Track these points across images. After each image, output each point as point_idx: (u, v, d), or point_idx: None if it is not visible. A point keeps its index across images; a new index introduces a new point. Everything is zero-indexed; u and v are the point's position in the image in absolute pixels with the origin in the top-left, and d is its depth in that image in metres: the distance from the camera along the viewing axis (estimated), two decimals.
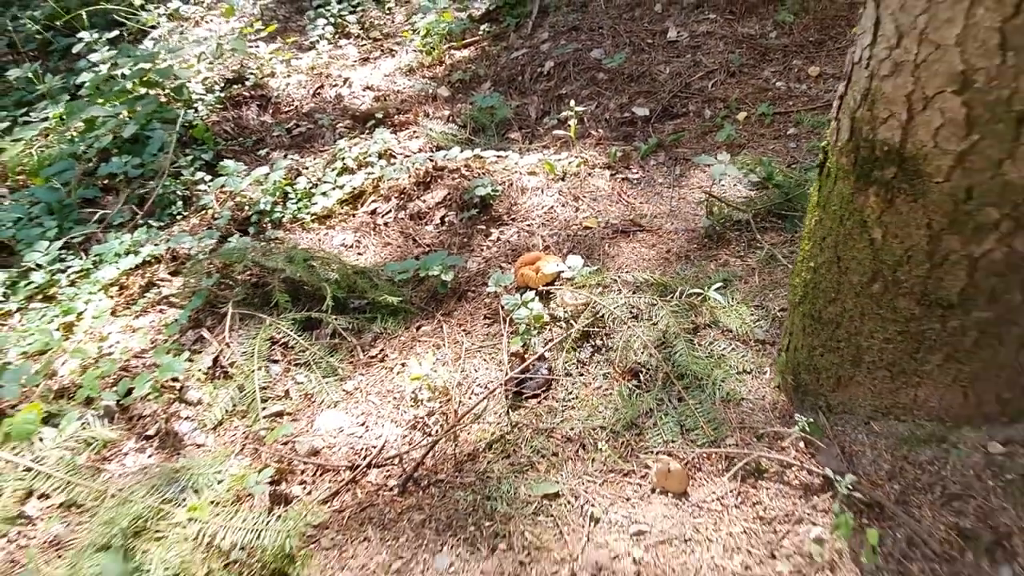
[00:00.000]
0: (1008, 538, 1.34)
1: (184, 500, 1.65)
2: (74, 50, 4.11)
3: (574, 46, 4.01)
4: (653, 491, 1.57)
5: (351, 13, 5.09)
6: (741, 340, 1.90)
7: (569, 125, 3.24)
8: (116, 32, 4.22)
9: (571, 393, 1.87)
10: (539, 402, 1.87)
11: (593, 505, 1.57)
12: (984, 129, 1.13)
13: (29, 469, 1.74)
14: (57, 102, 3.92)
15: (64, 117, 3.66)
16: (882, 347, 1.44)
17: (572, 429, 1.76)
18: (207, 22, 5.21)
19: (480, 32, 4.53)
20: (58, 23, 4.64)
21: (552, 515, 1.57)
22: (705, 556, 1.42)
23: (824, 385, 1.59)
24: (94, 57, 3.85)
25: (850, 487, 1.40)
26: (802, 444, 1.57)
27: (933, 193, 1.22)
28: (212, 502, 1.63)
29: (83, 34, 4.01)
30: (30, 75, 4.00)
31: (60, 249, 2.72)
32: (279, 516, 1.62)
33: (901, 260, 1.32)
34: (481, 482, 1.69)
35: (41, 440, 1.85)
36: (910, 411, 1.50)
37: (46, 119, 3.84)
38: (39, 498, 1.79)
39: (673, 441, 1.66)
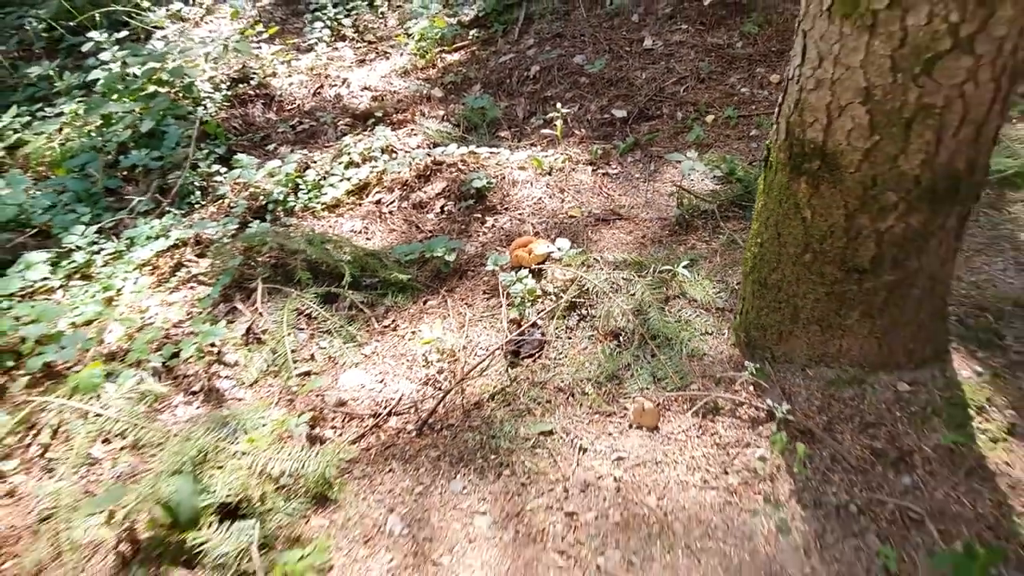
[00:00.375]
0: (910, 455, 1.69)
1: (236, 439, 1.95)
2: (83, 49, 4.36)
3: (558, 52, 4.35)
4: (630, 427, 1.90)
5: (346, 16, 5.37)
6: (704, 308, 2.24)
7: (555, 125, 3.57)
8: (125, 32, 4.45)
9: (561, 353, 2.20)
10: (534, 361, 2.20)
11: (581, 439, 1.90)
12: (883, 131, 1.48)
13: (99, 415, 2.02)
14: (72, 98, 4.16)
15: (81, 113, 3.90)
16: (813, 306, 1.79)
17: (563, 381, 2.09)
18: (206, 23, 5.46)
19: (470, 37, 4.84)
20: (72, 23, 4.85)
21: (547, 448, 1.90)
22: (672, 474, 1.75)
23: (769, 339, 1.94)
24: (104, 56, 4.10)
25: (786, 414, 1.75)
26: (751, 387, 1.91)
27: (847, 181, 1.57)
28: (260, 440, 1.93)
29: (93, 33, 4.25)
30: (50, 72, 4.23)
31: (95, 233, 2.99)
32: (317, 452, 1.92)
33: (825, 234, 1.67)
34: (486, 425, 2.01)
35: (104, 395, 2.13)
36: (837, 359, 1.85)
37: (61, 114, 4.08)
38: (103, 442, 2.07)
39: (647, 388, 2.00)
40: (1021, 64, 1.40)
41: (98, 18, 4.64)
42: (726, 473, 1.73)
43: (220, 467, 1.85)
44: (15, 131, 3.75)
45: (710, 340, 2.12)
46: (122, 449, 2.05)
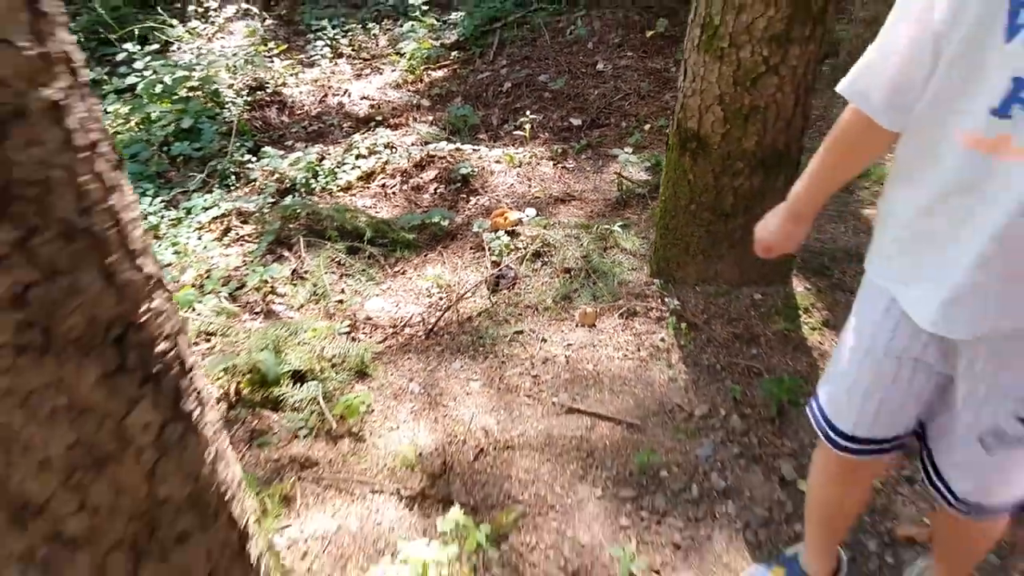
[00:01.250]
0: (758, 337, 2.57)
1: (297, 336, 2.74)
2: (117, 58, 5.11)
3: (526, 72, 5.25)
4: (577, 326, 2.75)
5: (343, 36, 6.21)
6: (632, 254, 3.11)
7: (524, 129, 4.45)
8: (156, 45, 5.22)
9: (529, 285, 3.05)
10: (509, 290, 3.04)
11: (543, 334, 2.74)
12: (732, 122, 2.37)
13: (198, 318, 2.80)
14: (113, 101, 4.90)
15: (125, 112, 4.65)
16: (698, 242, 2.67)
17: (530, 301, 2.93)
18: (219, 39, 6.24)
19: (452, 57, 5.72)
20: (112, 36, 5.58)
21: (519, 341, 2.73)
22: (603, 352, 2.60)
23: (671, 268, 2.81)
24: (138, 65, 4.86)
25: (679, 308, 2.62)
26: (658, 298, 2.79)
27: (713, 155, 2.46)
28: (317, 333, 2.73)
29: (128, 45, 5.02)
30: (100, 78, 4.97)
31: (160, 203, 3.75)
32: (355, 345, 2.72)
33: (703, 191, 2.55)
34: (476, 330, 2.84)
35: (197, 308, 2.91)
36: (715, 279, 2.74)
37: (106, 112, 4.81)
38: (205, 338, 2.84)
39: (589, 302, 2.85)
40: (811, 83, 2.31)
41: (136, 32, 5.39)
42: (639, 350, 2.59)
43: (290, 350, 2.64)
44: None
45: (634, 274, 2.99)
46: (214, 347, 2.82)
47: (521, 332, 2.78)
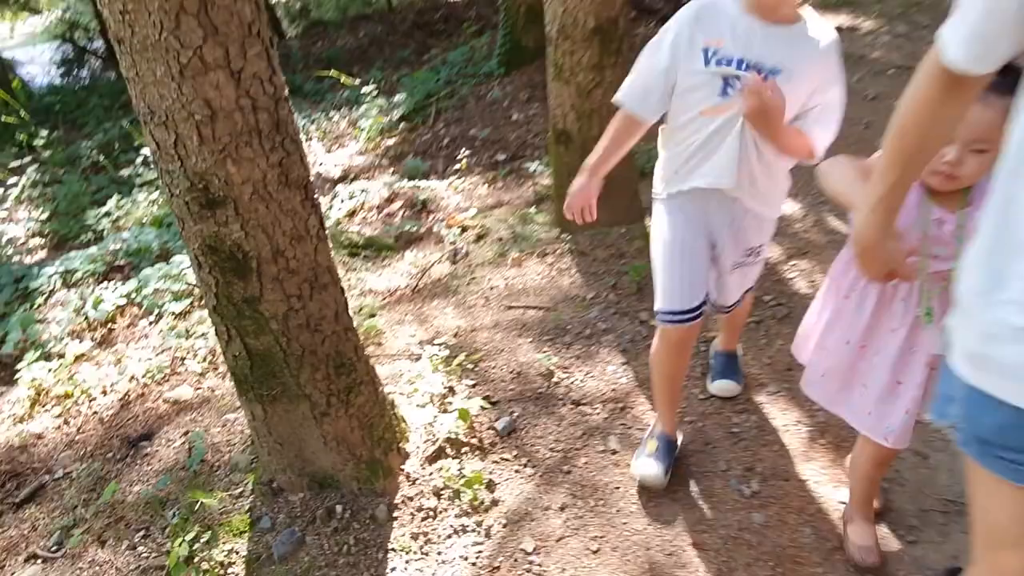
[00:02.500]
0: (624, 253, 4.01)
1: None
2: (137, 160, 6.52)
3: (459, 128, 6.81)
4: (510, 268, 4.15)
5: (312, 124, 7.74)
6: (543, 224, 4.56)
7: (462, 163, 5.96)
8: None
9: (475, 254, 4.45)
10: (464, 259, 4.43)
11: (489, 277, 4.12)
12: (582, 120, 3.87)
13: None
14: (142, 189, 6.26)
15: (153, 198, 6.02)
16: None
17: (478, 261, 4.33)
18: None
19: (400, 127, 7.27)
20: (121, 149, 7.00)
21: (473, 284, 4.11)
22: (528, 278, 4.00)
23: (567, 222, 4.26)
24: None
25: (573, 245, 4.06)
26: (561, 244, 4.21)
27: (575, 143, 3.95)
28: None
29: (145, 150, 6.44)
30: (130, 174, 6.36)
31: None
32: (365, 300, 4.06)
33: (574, 168, 4.04)
34: (444, 284, 4.20)
35: None
36: (596, 224, 4.19)
37: (136, 201, 6.17)
38: None
39: (517, 254, 4.26)
40: None
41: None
42: (550, 271, 3.99)
43: None
44: (120, 207, 5.84)
45: (545, 234, 4.42)
46: None
47: (474, 278, 4.16)
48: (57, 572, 2.46)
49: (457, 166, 6.09)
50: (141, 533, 2.55)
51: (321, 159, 6.94)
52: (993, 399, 1.14)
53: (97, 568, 2.43)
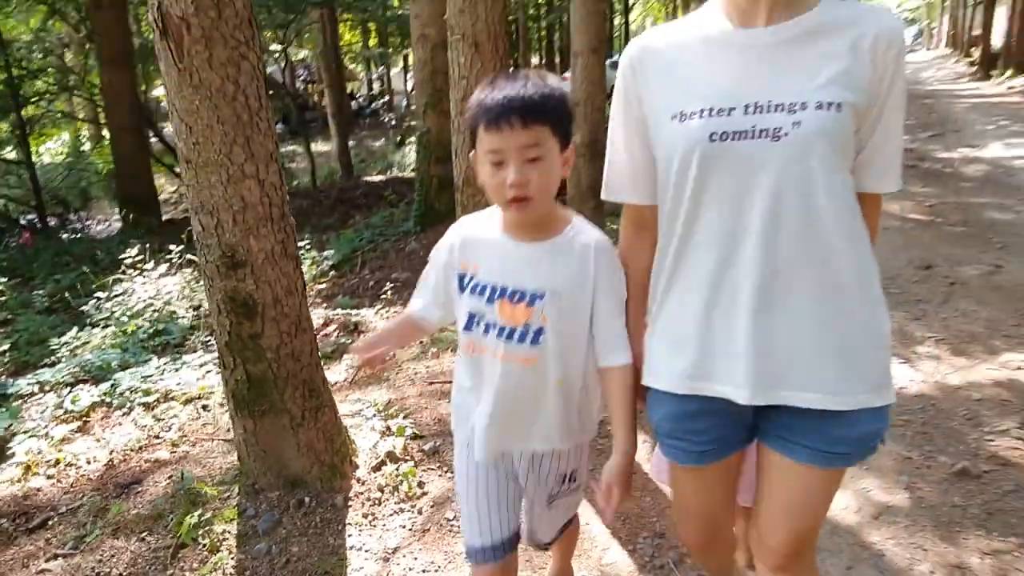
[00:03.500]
0: None
1: None
2: (91, 301, 7.31)
3: (382, 274, 8.05)
4: (430, 359, 5.20)
5: None
6: None
7: (387, 292, 7.12)
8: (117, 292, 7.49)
9: (401, 354, 5.49)
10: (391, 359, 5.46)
11: (411, 366, 5.14)
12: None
13: None
14: (99, 325, 7.00)
15: (113, 328, 6.78)
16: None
17: (405, 358, 5.36)
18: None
19: (331, 275, 8.45)
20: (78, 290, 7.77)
21: (401, 368, 5.11)
22: (447, 360, 5.05)
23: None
24: (116, 302, 7.12)
25: None
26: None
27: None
28: None
29: (100, 294, 7.29)
30: (91, 310, 7.12)
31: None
32: None
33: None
34: (380, 371, 5.18)
35: None
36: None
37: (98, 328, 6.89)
38: None
39: (437, 348, 5.33)
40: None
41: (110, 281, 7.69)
42: None
43: None
44: (78, 338, 6.55)
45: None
46: None
47: (401, 369, 5.17)
48: (79, 563, 3.12)
49: (383, 297, 7.26)
50: (148, 531, 3.26)
51: None
52: (657, 392, 1.62)
53: (114, 552, 3.12)
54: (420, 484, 3.50)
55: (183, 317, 7.12)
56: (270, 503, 3.30)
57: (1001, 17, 28.79)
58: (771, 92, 1.36)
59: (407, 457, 3.70)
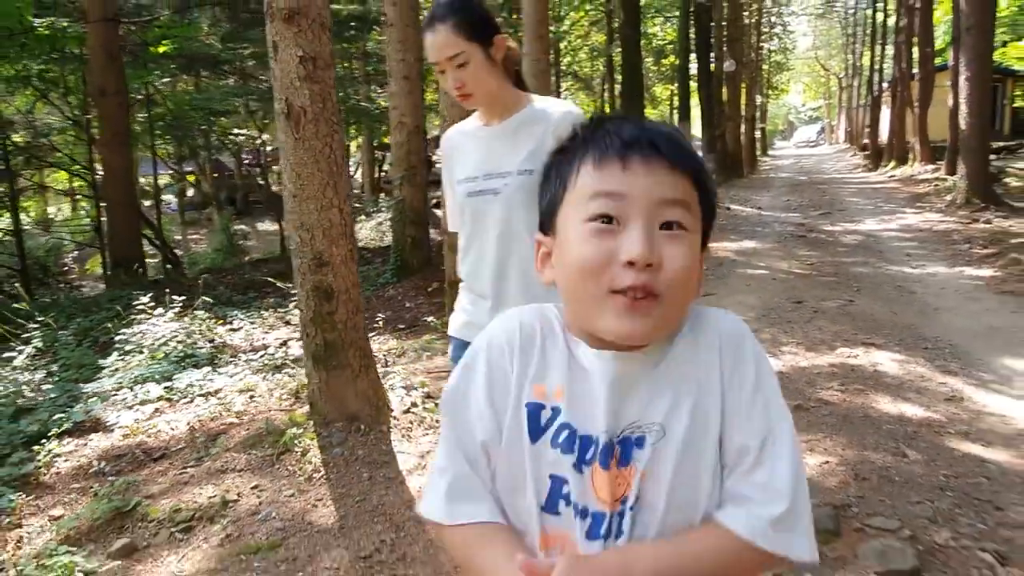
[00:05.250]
0: None
1: None
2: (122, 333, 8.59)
3: (368, 315, 9.60)
4: (429, 360, 6.76)
5: (247, 319, 10.16)
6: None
7: (379, 327, 8.67)
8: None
9: (396, 362, 7.03)
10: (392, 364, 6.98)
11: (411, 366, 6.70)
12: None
13: None
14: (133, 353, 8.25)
15: (143, 357, 8.06)
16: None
17: (403, 362, 6.91)
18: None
19: None
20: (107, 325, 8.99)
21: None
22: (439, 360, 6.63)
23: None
24: (137, 336, 8.43)
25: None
26: None
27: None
28: None
29: (125, 331, 8.60)
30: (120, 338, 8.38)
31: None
32: None
33: None
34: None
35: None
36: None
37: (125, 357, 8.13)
38: None
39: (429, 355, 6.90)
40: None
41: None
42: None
43: None
44: (123, 360, 7.79)
45: (440, 345, 7.13)
46: None
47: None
48: (208, 466, 4.53)
49: (375, 327, 8.79)
50: (253, 447, 4.70)
51: (259, 338, 9.34)
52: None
53: (233, 459, 4.55)
54: (438, 421, 5.05)
55: (203, 347, 8.46)
56: (338, 430, 4.79)
57: (887, 116, 33.17)
58: (496, 165, 2.21)
59: (429, 404, 5.26)
